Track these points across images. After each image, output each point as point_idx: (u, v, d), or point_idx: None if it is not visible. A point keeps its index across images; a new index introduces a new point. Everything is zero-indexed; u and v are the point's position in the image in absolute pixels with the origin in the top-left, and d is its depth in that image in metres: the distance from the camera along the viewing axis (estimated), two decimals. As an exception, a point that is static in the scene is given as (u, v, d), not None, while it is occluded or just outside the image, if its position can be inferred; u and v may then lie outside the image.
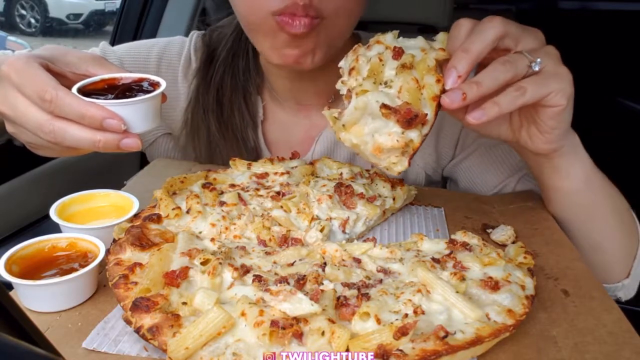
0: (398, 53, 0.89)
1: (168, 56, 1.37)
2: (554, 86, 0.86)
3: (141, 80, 0.92)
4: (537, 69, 0.86)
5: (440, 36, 0.94)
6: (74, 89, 0.86)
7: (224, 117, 1.29)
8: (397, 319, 0.70)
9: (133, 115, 0.86)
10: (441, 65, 0.90)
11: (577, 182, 1.01)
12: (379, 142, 0.85)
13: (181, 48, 1.37)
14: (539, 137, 0.94)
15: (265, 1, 1.03)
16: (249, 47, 1.30)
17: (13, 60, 0.85)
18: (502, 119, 0.97)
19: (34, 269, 0.80)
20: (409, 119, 0.83)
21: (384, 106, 0.84)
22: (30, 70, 0.84)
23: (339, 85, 0.94)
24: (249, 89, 1.31)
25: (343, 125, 0.88)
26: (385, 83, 0.88)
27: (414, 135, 0.85)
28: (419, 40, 0.93)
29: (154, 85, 0.91)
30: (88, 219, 0.96)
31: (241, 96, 1.30)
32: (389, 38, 0.92)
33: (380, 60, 0.89)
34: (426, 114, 0.85)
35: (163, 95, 0.93)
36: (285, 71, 1.25)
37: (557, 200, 1.07)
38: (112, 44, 1.44)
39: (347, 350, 0.67)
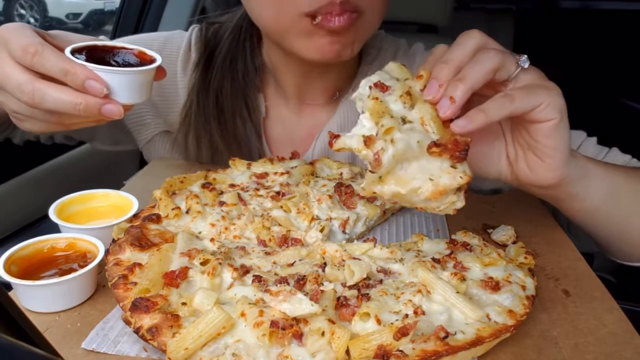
0: (382, 86, 0.80)
1: (168, 51, 1.34)
2: (543, 97, 0.80)
3: (141, 54, 0.92)
4: (525, 65, 0.81)
5: (392, 66, 0.86)
6: (68, 49, 0.85)
7: (226, 125, 1.28)
8: (397, 320, 0.70)
9: (119, 85, 0.85)
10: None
11: (598, 199, 0.93)
12: (442, 185, 0.76)
13: (180, 42, 1.35)
14: (540, 166, 0.86)
15: (296, 2, 1.00)
16: (247, 49, 1.29)
17: (8, 24, 0.86)
18: (497, 153, 0.91)
19: (33, 269, 0.80)
20: (461, 151, 0.76)
21: (434, 145, 0.75)
22: (21, 30, 0.84)
23: (363, 155, 0.78)
24: (249, 93, 1.29)
25: (380, 177, 0.77)
26: (404, 120, 0.79)
27: (465, 167, 0.78)
28: (382, 73, 0.84)
29: (152, 60, 0.91)
30: (87, 219, 0.95)
31: (242, 102, 1.28)
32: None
33: (376, 98, 0.79)
34: (470, 140, 0.78)
35: (160, 72, 0.92)
36: (296, 67, 1.23)
37: (581, 219, 0.98)
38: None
39: (347, 350, 0.67)
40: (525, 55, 0.81)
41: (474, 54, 0.80)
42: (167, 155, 1.40)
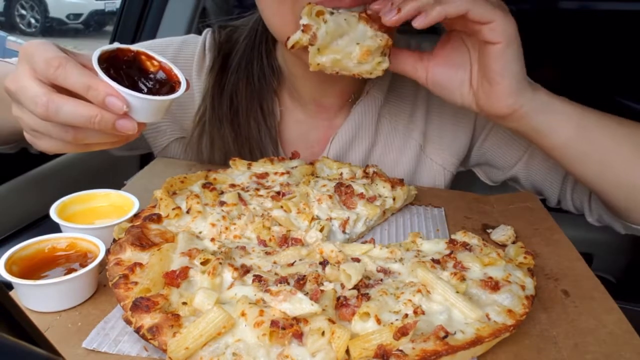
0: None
1: (183, 56, 1.34)
2: (498, 17, 0.87)
3: (169, 72, 0.90)
4: None
5: None
6: (96, 53, 0.84)
7: (240, 129, 1.27)
8: (397, 319, 0.70)
9: (140, 106, 0.84)
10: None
11: (564, 135, 0.98)
12: (366, 46, 0.94)
13: (195, 46, 1.34)
14: (491, 91, 0.94)
15: (295, 9, 0.98)
16: (263, 52, 1.28)
17: (33, 40, 0.87)
18: (460, 80, 0.99)
19: (34, 269, 0.80)
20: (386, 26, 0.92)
21: (364, 12, 0.94)
22: (46, 45, 0.84)
23: (305, 40, 0.95)
24: (264, 96, 1.28)
25: (318, 49, 0.95)
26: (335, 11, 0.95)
27: (387, 36, 0.96)
28: None
29: (175, 82, 0.89)
30: (88, 219, 0.96)
31: (257, 105, 1.27)
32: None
33: (309, 3, 0.94)
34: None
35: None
36: (311, 72, 1.20)
37: (556, 156, 1.04)
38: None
39: (347, 350, 0.67)
40: None
41: None
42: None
